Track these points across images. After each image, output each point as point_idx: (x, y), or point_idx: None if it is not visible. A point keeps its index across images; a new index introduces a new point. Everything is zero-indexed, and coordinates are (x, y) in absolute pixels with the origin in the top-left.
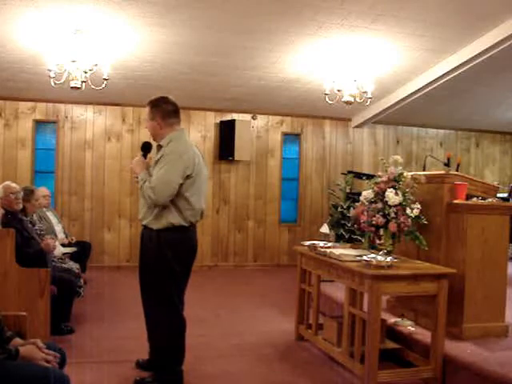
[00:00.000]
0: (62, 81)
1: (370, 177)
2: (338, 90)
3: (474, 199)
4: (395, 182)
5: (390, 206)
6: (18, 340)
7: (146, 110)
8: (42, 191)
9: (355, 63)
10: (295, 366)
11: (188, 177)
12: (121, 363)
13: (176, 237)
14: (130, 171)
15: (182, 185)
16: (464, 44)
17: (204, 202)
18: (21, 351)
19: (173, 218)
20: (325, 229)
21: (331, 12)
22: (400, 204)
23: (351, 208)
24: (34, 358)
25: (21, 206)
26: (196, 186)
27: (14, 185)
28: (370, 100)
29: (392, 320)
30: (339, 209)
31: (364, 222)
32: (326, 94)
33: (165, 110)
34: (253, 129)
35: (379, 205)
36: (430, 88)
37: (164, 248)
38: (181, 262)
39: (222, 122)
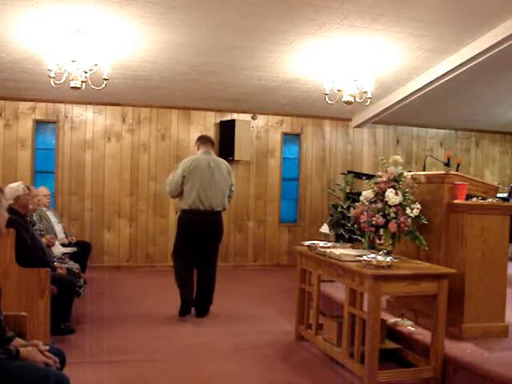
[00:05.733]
0: (61, 81)
1: (369, 177)
2: (338, 90)
3: (474, 199)
4: (395, 181)
5: (390, 206)
6: (19, 340)
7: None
8: (42, 191)
9: (355, 63)
10: (295, 366)
11: (184, 176)
12: (121, 363)
13: (182, 216)
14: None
15: (183, 182)
16: (464, 44)
17: (206, 194)
18: (21, 352)
19: (181, 204)
20: (325, 229)
21: (331, 12)
22: (400, 204)
23: (351, 208)
24: (34, 360)
25: (31, 205)
26: (190, 182)
27: (23, 186)
28: (369, 100)
29: (392, 320)
30: (339, 209)
31: (364, 222)
32: (326, 94)
33: (198, 140)
34: (253, 129)
35: (379, 205)
36: (429, 88)
37: (177, 222)
38: (184, 232)
39: (221, 121)
